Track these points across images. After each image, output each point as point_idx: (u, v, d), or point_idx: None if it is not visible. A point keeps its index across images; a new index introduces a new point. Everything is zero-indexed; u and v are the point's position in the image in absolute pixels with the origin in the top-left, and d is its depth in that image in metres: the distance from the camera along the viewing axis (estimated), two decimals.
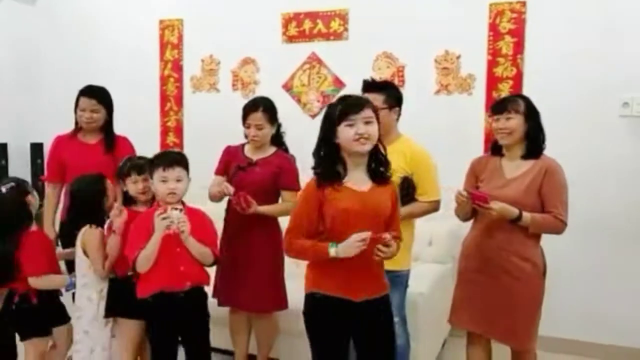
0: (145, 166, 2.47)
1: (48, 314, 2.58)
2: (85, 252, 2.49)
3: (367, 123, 2.03)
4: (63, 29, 4.65)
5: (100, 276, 2.50)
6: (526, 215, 2.30)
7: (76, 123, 3.11)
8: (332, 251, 2.00)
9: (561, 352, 3.32)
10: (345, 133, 2.04)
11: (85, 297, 2.51)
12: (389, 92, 2.61)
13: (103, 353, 2.52)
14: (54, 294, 2.60)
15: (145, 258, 2.27)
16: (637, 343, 3.29)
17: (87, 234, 2.49)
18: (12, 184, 2.63)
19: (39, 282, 2.51)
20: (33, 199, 2.62)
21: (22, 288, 2.52)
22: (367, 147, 2.04)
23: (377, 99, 2.57)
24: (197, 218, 2.42)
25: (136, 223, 2.38)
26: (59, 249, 2.76)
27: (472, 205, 2.36)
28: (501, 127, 2.37)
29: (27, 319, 2.55)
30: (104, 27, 4.51)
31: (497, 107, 2.42)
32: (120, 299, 2.50)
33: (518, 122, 2.35)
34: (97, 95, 3.08)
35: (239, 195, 2.70)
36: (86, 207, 2.54)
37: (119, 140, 3.16)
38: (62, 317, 2.64)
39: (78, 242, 2.52)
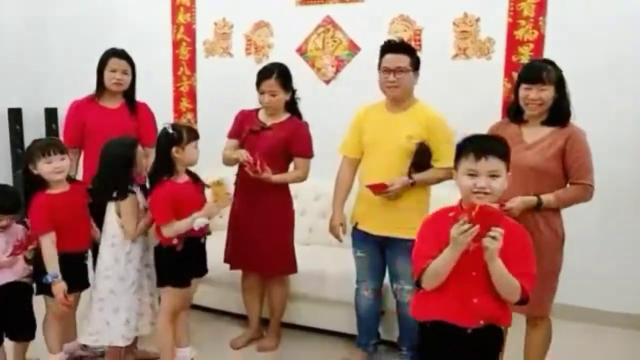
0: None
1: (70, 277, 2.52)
2: (118, 214, 2.52)
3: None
4: None
5: (129, 238, 2.53)
6: (547, 198, 2.26)
7: (99, 85, 3.02)
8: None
9: (575, 319, 3.31)
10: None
11: (113, 258, 2.54)
12: (415, 54, 2.56)
13: (126, 314, 2.55)
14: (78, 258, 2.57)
15: (435, 274, 1.75)
16: None
17: (123, 201, 2.49)
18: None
19: (42, 241, 2.44)
20: (34, 167, 2.44)
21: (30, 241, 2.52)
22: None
23: (404, 60, 2.52)
24: (516, 237, 1.77)
25: None
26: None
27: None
28: (534, 98, 2.29)
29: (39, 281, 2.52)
30: None
31: (531, 76, 2.31)
32: (166, 268, 2.55)
33: (550, 93, 2.29)
34: (127, 56, 3.01)
35: (256, 158, 2.68)
36: (114, 171, 2.50)
37: (140, 105, 3.12)
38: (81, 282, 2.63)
39: (112, 204, 2.53)
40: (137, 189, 2.56)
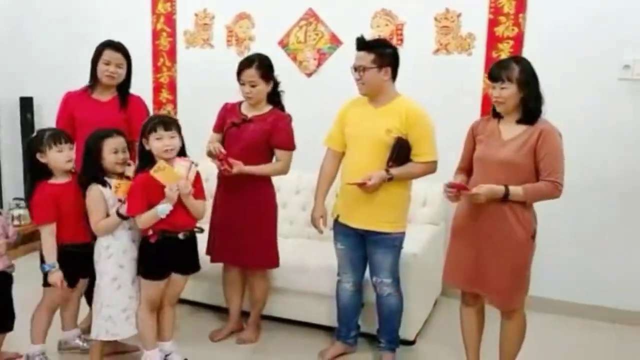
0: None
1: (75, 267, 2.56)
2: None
3: None
4: None
5: (95, 232, 2.49)
6: (515, 189, 2.29)
7: (92, 77, 2.97)
8: None
9: (549, 312, 3.38)
10: None
11: (97, 252, 2.54)
12: (379, 50, 2.55)
13: (108, 310, 2.51)
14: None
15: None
16: (623, 305, 3.35)
17: (89, 191, 2.47)
18: (32, 135, 2.62)
19: (43, 231, 2.49)
20: (43, 156, 2.48)
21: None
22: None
23: (365, 57, 2.54)
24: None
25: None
26: None
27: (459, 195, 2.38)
28: (496, 96, 2.35)
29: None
30: None
31: (492, 75, 2.36)
32: (140, 258, 2.56)
33: (511, 92, 2.31)
34: (123, 49, 2.96)
35: (222, 159, 2.69)
36: (84, 161, 2.50)
37: (133, 99, 3.07)
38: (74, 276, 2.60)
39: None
40: (111, 181, 2.50)
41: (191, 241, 2.62)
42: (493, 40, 3.42)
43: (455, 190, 2.36)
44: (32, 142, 2.52)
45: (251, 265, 2.95)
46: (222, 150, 2.73)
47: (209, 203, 2.97)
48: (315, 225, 2.80)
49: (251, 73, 2.76)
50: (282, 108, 2.91)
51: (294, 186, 3.60)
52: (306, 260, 3.15)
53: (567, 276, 3.43)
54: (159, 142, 2.45)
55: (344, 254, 2.76)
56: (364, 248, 2.69)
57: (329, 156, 2.80)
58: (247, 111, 2.87)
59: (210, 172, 3.07)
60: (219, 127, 2.93)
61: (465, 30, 3.48)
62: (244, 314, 3.13)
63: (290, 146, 2.87)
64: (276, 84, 2.87)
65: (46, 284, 2.56)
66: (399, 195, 2.64)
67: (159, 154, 2.45)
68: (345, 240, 2.73)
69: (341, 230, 2.73)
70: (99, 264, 2.53)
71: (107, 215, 2.48)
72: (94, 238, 2.54)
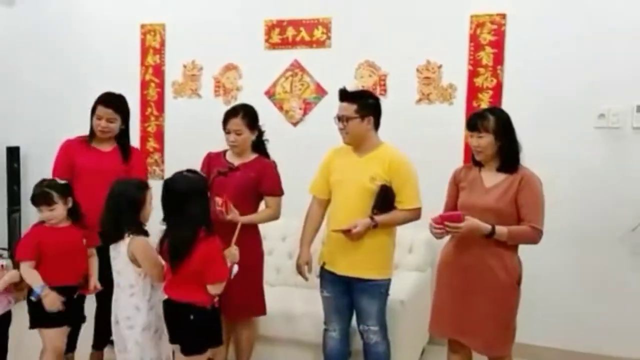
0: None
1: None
2: (134, 261, 2.42)
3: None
4: (42, 32, 4.56)
5: (155, 283, 2.45)
6: (501, 229, 2.32)
7: (90, 129, 3.05)
8: None
9: (537, 359, 3.35)
10: None
11: (134, 306, 2.45)
12: (362, 101, 2.62)
13: None
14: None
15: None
16: (608, 350, 3.34)
17: (137, 243, 2.40)
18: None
19: (22, 269, 2.55)
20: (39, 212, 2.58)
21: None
22: None
23: (348, 108, 2.61)
24: None
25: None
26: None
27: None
28: (474, 145, 2.43)
29: (32, 310, 2.57)
30: (84, 31, 4.45)
31: (469, 124, 2.45)
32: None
33: (488, 141, 2.38)
34: (115, 104, 3.04)
35: (223, 200, 2.69)
36: (127, 212, 2.44)
37: (135, 151, 3.17)
38: (60, 318, 2.58)
39: (123, 249, 2.42)
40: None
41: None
42: (473, 91, 3.54)
43: (443, 227, 2.35)
44: (32, 198, 2.60)
45: (238, 314, 2.91)
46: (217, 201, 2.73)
47: None
48: (300, 272, 2.80)
49: (237, 122, 2.81)
50: (267, 155, 2.95)
51: (280, 234, 3.60)
52: (292, 308, 3.12)
53: (554, 323, 3.43)
54: None
55: (330, 301, 2.75)
56: (350, 295, 2.69)
57: (314, 204, 2.83)
58: (233, 160, 2.90)
59: None
60: None
61: (446, 81, 3.60)
62: None
63: (279, 192, 2.90)
64: (260, 133, 2.92)
65: (43, 325, 2.55)
66: (384, 242, 2.66)
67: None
68: (331, 288, 2.73)
69: (327, 277, 2.73)
70: (134, 320, 2.44)
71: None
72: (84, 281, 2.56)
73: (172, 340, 2.42)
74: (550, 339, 3.44)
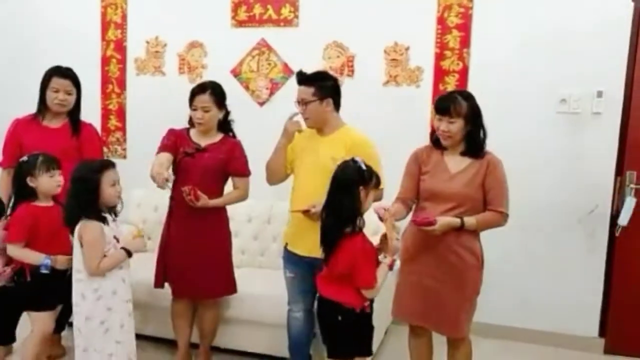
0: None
1: (46, 292, 2.53)
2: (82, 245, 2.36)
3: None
4: None
5: (90, 274, 2.36)
6: (469, 220, 2.36)
7: (41, 104, 2.90)
8: None
9: (493, 337, 3.45)
10: None
11: (80, 294, 2.39)
12: (320, 83, 2.61)
13: (96, 355, 2.38)
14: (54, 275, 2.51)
15: None
16: (564, 329, 3.47)
17: (85, 227, 2.34)
18: (23, 158, 2.60)
19: (12, 251, 2.50)
20: (33, 180, 2.53)
21: (16, 264, 2.54)
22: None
23: (306, 91, 2.60)
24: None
25: None
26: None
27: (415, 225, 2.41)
28: (443, 129, 2.39)
29: (23, 293, 2.55)
30: (42, 4, 4.28)
31: (440, 108, 2.40)
32: None
33: (459, 126, 2.37)
34: (71, 75, 2.91)
35: (189, 188, 2.65)
36: (85, 197, 2.36)
37: (86, 126, 3.02)
38: (52, 300, 2.55)
39: (75, 234, 2.37)
40: (110, 218, 2.43)
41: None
42: (440, 74, 3.55)
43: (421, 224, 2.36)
44: (24, 165, 2.56)
45: (210, 295, 2.90)
46: (167, 176, 2.65)
47: (158, 231, 2.92)
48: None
49: (204, 99, 2.76)
50: (233, 135, 2.91)
51: (245, 215, 3.57)
52: (257, 289, 3.11)
53: (510, 301, 3.52)
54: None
55: (294, 282, 2.75)
56: (313, 276, 2.68)
57: None
58: (199, 140, 2.85)
59: (159, 200, 3.01)
60: (167, 147, 2.80)
61: (413, 63, 3.60)
62: (193, 346, 3.05)
63: (247, 172, 2.89)
64: (227, 112, 2.87)
65: (35, 308, 2.52)
66: None
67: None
68: (294, 269, 2.73)
69: (290, 258, 2.73)
70: (80, 307, 2.39)
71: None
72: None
73: (323, 340, 2.33)
74: (508, 318, 3.54)
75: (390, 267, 2.23)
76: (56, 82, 2.86)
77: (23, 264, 2.52)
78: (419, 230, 2.40)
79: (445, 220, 2.33)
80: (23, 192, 2.56)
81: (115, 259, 2.39)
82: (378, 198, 2.65)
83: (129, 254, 2.41)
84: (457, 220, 2.35)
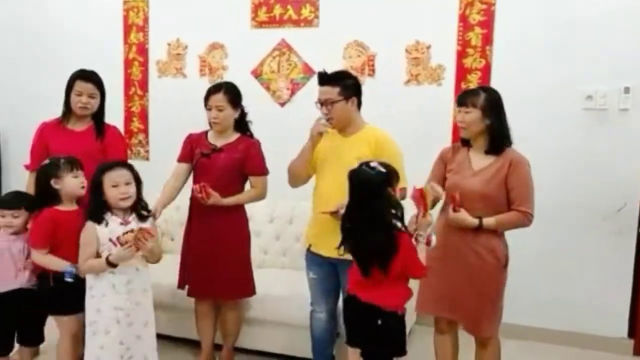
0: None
1: (70, 297, 2.50)
2: None
3: None
4: (22, 10, 4.44)
5: (79, 272, 2.41)
6: (489, 221, 2.34)
7: (66, 108, 2.94)
8: None
9: (518, 337, 3.38)
10: None
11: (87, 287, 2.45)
12: (344, 82, 2.59)
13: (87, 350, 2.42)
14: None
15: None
16: (591, 329, 3.40)
17: (85, 227, 2.39)
18: (45, 162, 2.60)
19: (36, 257, 2.51)
20: (59, 182, 2.51)
21: (38, 268, 2.55)
22: None
23: (331, 91, 2.57)
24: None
25: None
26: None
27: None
28: (459, 120, 2.43)
29: (47, 298, 2.56)
30: (64, 9, 4.34)
31: (458, 99, 2.46)
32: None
33: (475, 116, 2.37)
34: (95, 79, 2.94)
35: (200, 186, 2.67)
36: (92, 196, 2.41)
37: (110, 129, 3.05)
38: (76, 304, 2.53)
39: None
40: (114, 218, 2.42)
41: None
42: (462, 72, 3.51)
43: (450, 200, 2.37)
44: (48, 167, 2.55)
45: (227, 296, 2.90)
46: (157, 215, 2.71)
47: (180, 231, 2.93)
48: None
49: (219, 98, 2.76)
50: (250, 135, 2.91)
51: (267, 215, 3.58)
52: (279, 290, 3.11)
53: (535, 301, 3.46)
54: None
55: (317, 283, 2.74)
56: (337, 277, 2.68)
57: None
58: (215, 140, 2.86)
59: (181, 201, 3.03)
60: (185, 157, 2.90)
61: (435, 61, 3.57)
62: (217, 347, 3.06)
63: (264, 171, 2.87)
64: (244, 113, 2.87)
65: (57, 312, 2.55)
66: None
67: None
68: (317, 270, 2.72)
69: (313, 259, 2.72)
70: (89, 307, 2.43)
71: (97, 254, 2.39)
72: None
73: (351, 342, 2.31)
74: (533, 318, 3.47)
75: (428, 243, 2.21)
76: (80, 85, 2.90)
77: (46, 269, 2.52)
78: (443, 227, 2.38)
79: (462, 216, 2.34)
80: (45, 196, 2.54)
81: (93, 265, 2.38)
82: (402, 197, 2.63)
83: (110, 264, 2.34)
84: (475, 221, 2.33)
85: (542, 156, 3.15)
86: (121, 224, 2.41)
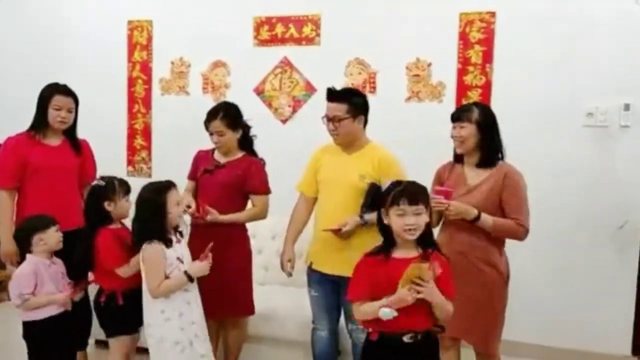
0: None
1: (134, 315, 2.50)
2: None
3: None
4: (28, 29, 4.49)
5: (152, 296, 2.37)
6: (486, 217, 2.34)
7: (40, 122, 2.86)
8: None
9: (521, 355, 3.36)
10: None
11: (149, 315, 2.42)
12: (352, 100, 2.60)
13: None
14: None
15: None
16: (595, 347, 3.37)
17: (148, 250, 2.36)
18: (99, 183, 2.61)
19: (126, 273, 2.50)
20: (111, 204, 2.54)
21: (107, 287, 2.55)
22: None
23: (340, 108, 2.57)
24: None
25: None
26: None
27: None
28: (455, 135, 2.45)
29: (112, 317, 2.57)
30: (70, 27, 4.39)
31: (453, 115, 2.49)
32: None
33: (470, 132, 2.41)
34: (73, 93, 2.92)
35: (197, 204, 2.68)
36: (151, 219, 2.39)
37: (84, 143, 3.04)
38: (133, 324, 2.55)
39: (140, 256, 2.41)
40: (175, 239, 2.45)
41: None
42: (462, 89, 3.54)
43: (442, 197, 2.36)
44: (102, 189, 2.56)
45: (227, 314, 2.89)
46: (191, 204, 2.73)
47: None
48: (283, 268, 2.78)
49: (217, 124, 2.77)
50: (254, 153, 2.92)
51: (269, 232, 3.58)
52: (281, 307, 3.11)
53: (538, 319, 3.44)
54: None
55: (318, 301, 2.74)
56: (338, 295, 2.67)
57: (301, 201, 2.82)
58: (220, 157, 2.88)
59: (186, 217, 3.04)
60: (193, 175, 2.93)
61: (435, 78, 3.60)
62: None
63: (264, 190, 2.87)
64: (246, 130, 2.88)
65: (112, 333, 2.56)
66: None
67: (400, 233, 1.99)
68: (318, 287, 2.71)
69: (315, 277, 2.72)
70: (152, 328, 2.40)
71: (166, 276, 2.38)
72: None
73: None
74: (536, 336, 3.45)
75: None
76: (58, 99, 2.84)
77: (115, 288, 2.52)
78: (443, 243, 2.38)
79: (461, 204, 2.34)
80: (98, 216, 2.55)
81: (176, 281, 2.38)
82: None
83: (190, 278, 2.39)
84: (474, 211, 2.33)
85: (543, 173, 3.18)
86: (177, 241, 2.46)
